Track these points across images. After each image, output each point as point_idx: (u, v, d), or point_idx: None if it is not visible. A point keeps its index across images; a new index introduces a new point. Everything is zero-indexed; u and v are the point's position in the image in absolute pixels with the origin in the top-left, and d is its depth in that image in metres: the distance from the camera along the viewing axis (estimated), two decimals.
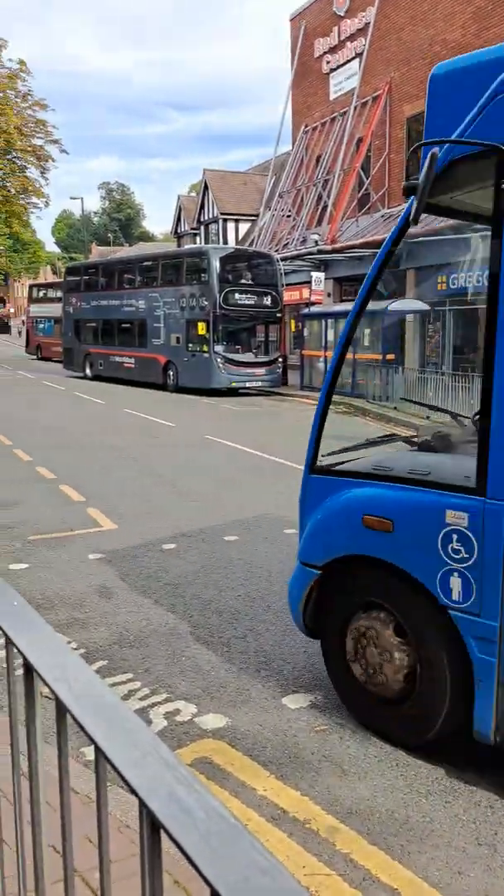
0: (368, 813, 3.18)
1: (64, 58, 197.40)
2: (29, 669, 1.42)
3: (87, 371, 28.08)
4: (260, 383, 22.71)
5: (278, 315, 23.28)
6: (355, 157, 24.89)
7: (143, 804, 1.00)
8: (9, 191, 31.68)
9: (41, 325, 39.33)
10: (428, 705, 3.47)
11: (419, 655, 3.50)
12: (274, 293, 22.96)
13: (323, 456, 4.19)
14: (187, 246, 37.37)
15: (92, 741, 1.14)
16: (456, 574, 3.23)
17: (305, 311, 23.95)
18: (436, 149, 3.14)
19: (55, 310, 36.81)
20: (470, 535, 3.17)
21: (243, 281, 22.61)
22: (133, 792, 1.02)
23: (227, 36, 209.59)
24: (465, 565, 3.20)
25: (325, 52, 27.83)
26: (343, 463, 4.14)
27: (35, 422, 16.16)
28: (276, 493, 9.31)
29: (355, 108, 25.28)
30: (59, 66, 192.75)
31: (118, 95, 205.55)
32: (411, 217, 3.24)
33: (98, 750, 1.14)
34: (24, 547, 6.98)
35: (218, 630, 5.10)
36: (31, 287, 45.34)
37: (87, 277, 29.29)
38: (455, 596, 3.25)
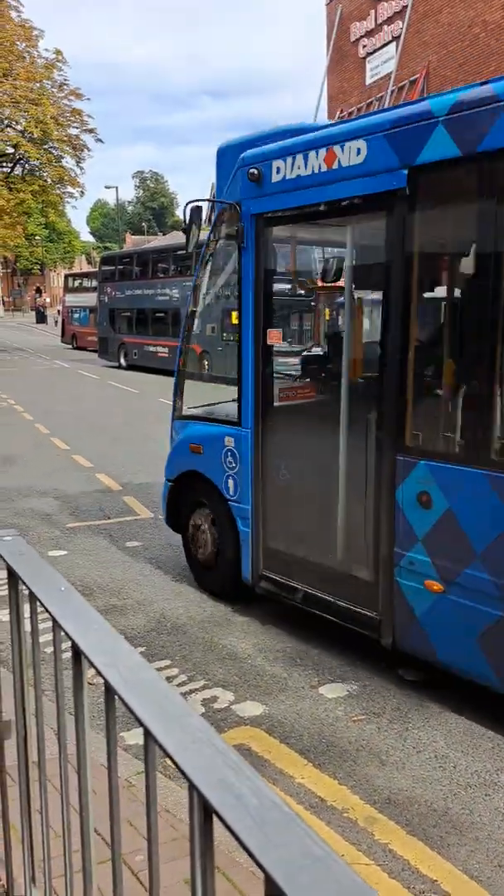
0: (407, 803, 3.16)
1: (99, 47, 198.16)
2: (77, 654, 1.44)
3: (122, 360, 28.04)
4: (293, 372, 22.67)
5: (313, 304, 23.25)
6: None
7: (194, 789, 1.01)
8: (45, 180, 31.93)
9: (76, 315, 39.62)
10: (224, 564, 5.29)
11: (220, 533, 5.30)
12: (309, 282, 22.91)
13: (189, 408, 5.99)
14: None
15: (142, 725, 1.14)
16: (231, 478, 5.08)
17: (340, 298, 23.86)
18: (199, 203, 5.10)
19: (90, 299, 37.06)
20: (236, 451, 5.00)
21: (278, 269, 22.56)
22: (185, 777, 1.03)
23: (263, 22, 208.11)
24: (234, 472, 5.04)
25: (361, 36, 27.44)
26: (188, 410, 5.98)
27: (71, 411, 16.33)
28: None
29: (392, 92, 24.92)
30: (95, 56, 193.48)
31: (153, 84, 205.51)
32: (186, 248, 5.39)
33: (148, 734, 1.14)
34: (63, 534, 7.07)
35: (255, 618, 5.11)
36: (66, 277, 45.71)
37: (121, 267, 29.28)
38: (231, 492, 5.09)
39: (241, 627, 4.96)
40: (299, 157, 4.37)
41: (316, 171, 4.27)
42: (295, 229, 5.68)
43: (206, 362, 15.75)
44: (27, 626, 1.90)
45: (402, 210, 3.79)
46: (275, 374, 5.17)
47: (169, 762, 1.06)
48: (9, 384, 22.58)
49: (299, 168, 4.38)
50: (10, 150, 30.68)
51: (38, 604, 1.71)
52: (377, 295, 4.28)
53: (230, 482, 5.08)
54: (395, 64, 24.89)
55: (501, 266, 3.46)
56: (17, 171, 32.19)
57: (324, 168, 4.22)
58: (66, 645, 1.55)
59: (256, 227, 4.73)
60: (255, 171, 4.62)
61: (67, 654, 1.58)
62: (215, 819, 0.98)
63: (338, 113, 29.42)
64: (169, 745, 1.08)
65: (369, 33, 26.93)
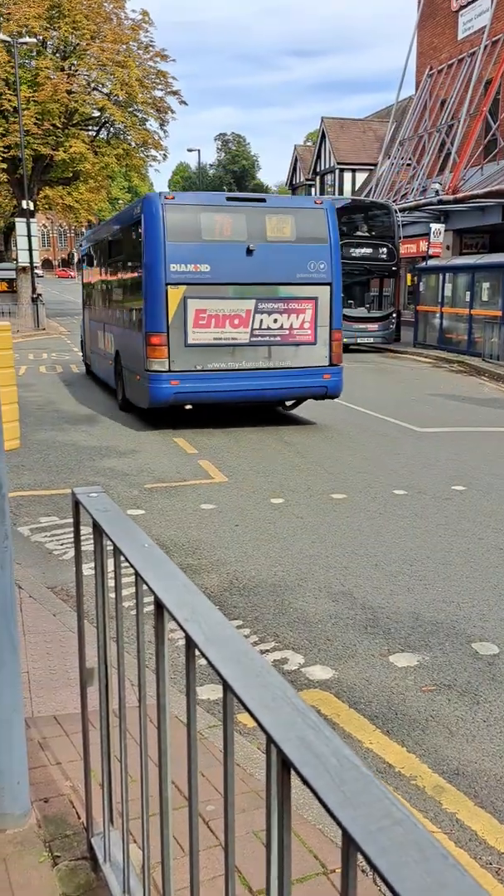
0: (476, 775, 3.15)
1: (184, 8, 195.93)
2: (160, 607, 1.47)
3: None
4: (372, 339, 22.02)
5: (394, 269, 22.40)
6: (483, 100, 23.51)
7: (273, 743, 1.02)
8: (129, 144, 32.05)
9: None
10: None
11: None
12: (390, 245, 22.09)
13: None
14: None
15: (223, 680, 1.17)
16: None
17: (422, 264, 23.13)
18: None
19: None
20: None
21: (358, 233, 21.86)
22: (264, 731, 1.05)
23: None
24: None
25: None
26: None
27: None
28: (392, 454, 9.18)
29: (485, 47, 23.78)
30: (179, 17, 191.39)
31: (237, 44, 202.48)
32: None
33: (228, 689, 1.17)
34: (142, 494, 7.24)
35: (325, 584, 5.13)
36: None
37: None
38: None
39: (313, 593, 4.99)
40: None
41: None
42: None
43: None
44: (111, 581, 1.96)
45: None
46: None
47: (239, 717, 1.09)
48: None
49: None
50: (97, 114, 30.88)
51: (121, 558, 1.77)
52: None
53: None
54: (490, 17, 23.69)
55: None
56: (103, 134, 32.42)
57: None
58: (148, 599, 1.59)
59: None
60: None
61: (148, 609, 1.63)
62: (292, 776, 1.00)
63: (427, 70, 28.31)
64: (249, 700, 1.10)
65: None
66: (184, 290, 9.45)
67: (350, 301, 21.89)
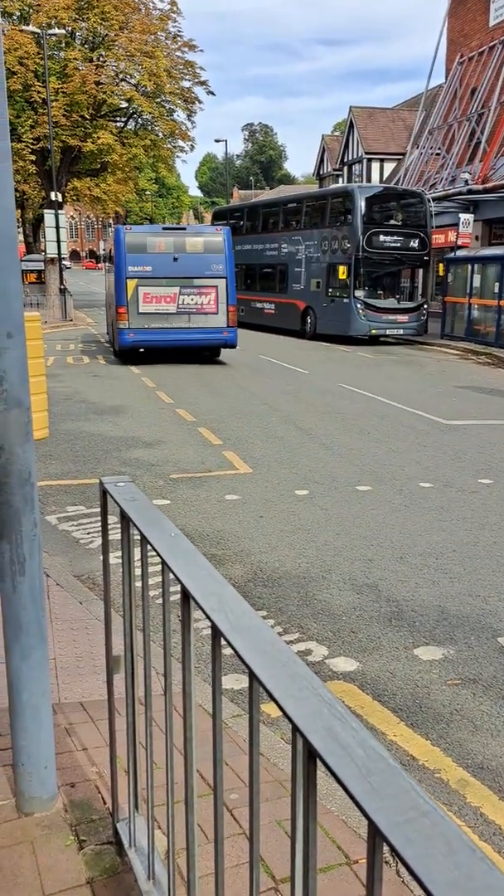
0: (501, 770, 3.13)
1: None
2: (186, 597, 1.48)
3: None
4: (402, 330, 21.52)
5: (426, 258, 21.88)
6: None
7: (300, 734, 1.03)
8: (157, 134, 32.05)
9: None
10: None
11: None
12: (422, 235, 21.52)
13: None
14: (333, 186, 36.21)
15: (249, 671, 1.17)
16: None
17: (450, 255, 22.85)
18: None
19: None
20: None
21: (390, 222, 21.31)
22: (290, 721, 1.05)
23: None
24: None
25: None
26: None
27: (174, 365, 16.64)
28: (418, 446, 9.12)
29: None
30: (207, 7, 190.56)
31: (265, 33, 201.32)
32: None
33: (254, 679, 1.17)
34: (167, 484, 7.28)
35: (349, 576, 5.12)
36: None
37: (232, 221, 28.80)
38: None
39: (337, 585, 4.99)
40: None
41: None
42: None
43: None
44: (137, 570, 1.97)
45: None
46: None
47: (262, 707, 1.09)
48: None
49: None
50: (124, 105, 30.91)
51: (148, 548, 1.78)
52: None
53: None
54: None
55: None
56: (130, 125, 32.45)
57: None
58: (174, 589, 1.60)
59: None
60: None
61: (175, 598, 1.64)
62: (318, 767, 1.00)
63: (457, 58, 27.90)
64: (275, 690, 1.10)
65: None
66: (136, 282, 16.03)
67: (379, 292, 21.36)
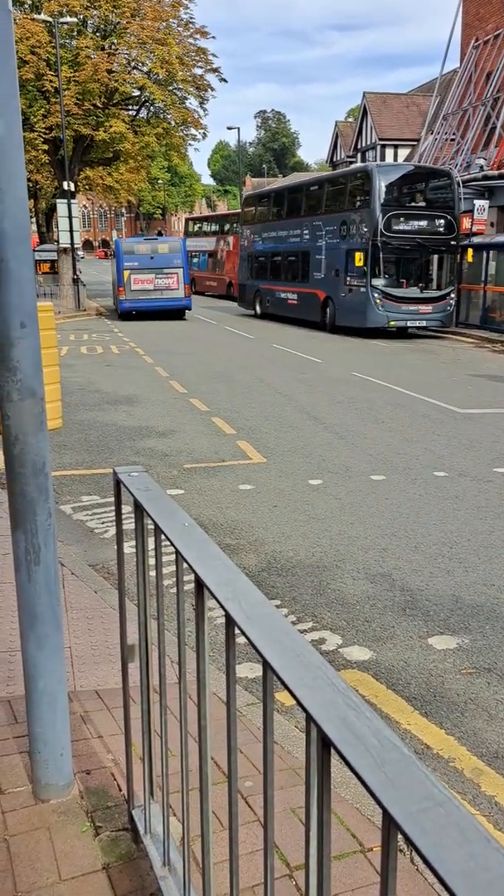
0: None
1: None
2: (200, 586, 1.48)
3: (258, 309, 26.29)
4: (425, 322, 19.84)
5: (453, 243, 19.95)
6: None
7: (314, 723, 1.03)
8: (169, 122, 31.92)
9: (195, 259, 40.02)
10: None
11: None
12: (449, 218, 19.68)
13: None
14: (353, 165, 35.40)
15: (263, 660, 1.17)
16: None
17: (465, 241, 22.63)
18: None
19: (209, 243, 37.21)
20: None
21: (412, 203, 19.78)
22: (304, 710, 1.05)
23: None
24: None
25: None
26: None
27: (188, 355, 16.66)
28: (432, 435, 9.08)
29: None
30: None
31: (278, 19, 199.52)
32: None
33: (268, 668, 1.17)
34: (181, 474, 7.29)
35: (363, 566, 5.12)
36: (187, 221, 46.05)
37: (260, 208, 27.35)
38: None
39: (351, 574, 4.98)
40: None
41: None
42: None
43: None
44: (151, 560, 1.98)
45: None
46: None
47: (276, 695, 1.09)
48: (131, 329, 23.21)
49: None
50: (136, 93, 30.79)
51: (162, 537, 1.78)
52: None
53: None
54: None
55: None
56: (142, 113, 32.34)
57: None
58: (188, 578, 1.61)
59: None
60: None
61: (189, 588, 1.64)
62: (332, 756, 1.00)
63: (473, 42, 27.55)
64: (289, 680, 1.10)
65: None
66: (129, 272, 24.76)
67: (401, 280, 19.56)
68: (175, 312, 25.57)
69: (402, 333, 20.30)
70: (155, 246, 25.49)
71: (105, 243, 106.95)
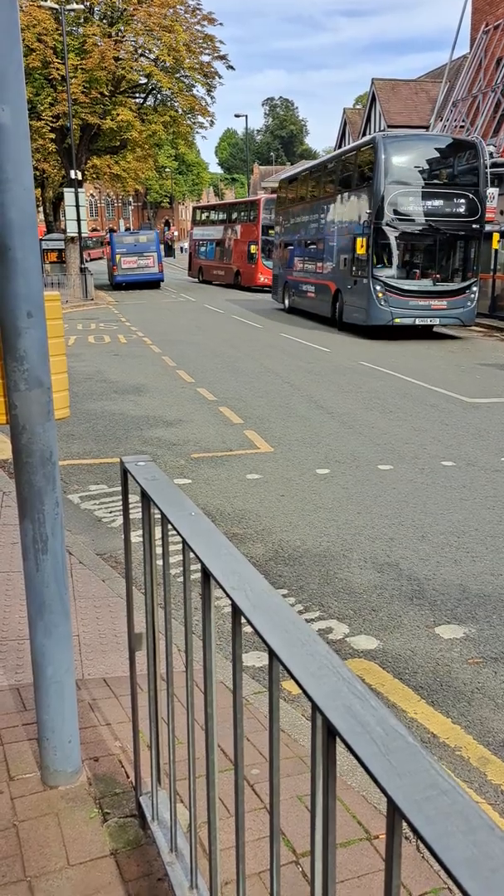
0: None
1: None
2: (206, 575, 1.49)
3: (286, 302, 23.54)
4: (438, 319, 16.90)
5: (475, 227, 16.77)
6: None
7: (319, 712, 1.03)
8: (176, 110, 31.78)
9: (203, 248, 39.93)
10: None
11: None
12: (472, 196, 16.56)
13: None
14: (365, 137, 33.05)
15: (269, 649, 1.18)
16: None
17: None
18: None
19: (216, 232, 37.11)
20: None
21: (426, 180, 16.50)
22: (309, 699, 1.05)
23: None
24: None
25: None
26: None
27: (195, 344, 16.64)
28: (440, 424, 9.06)
29: None
30: None
31: (286, 5, 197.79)
32: None
33: (274, 657, 1.17)
34: (188, 463, 7.30)
35: (371, 555, 5.12)
36: (195, 209, 45.89)
37: (289, 191, 24.19)
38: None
39: (358, 563, 4.99)
40: None
41: None
42: None
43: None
44: (158, 549, 1.98)
45: None
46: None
47: (284, 684, 1.09)
48: (138, 318, 23.19)
49: None
50: (143, 81, 30.65)
51: (169, 526, 1.78)
52: None
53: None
54: None
55: None
56: (150, 101, 32.19)
57: None
58: (195, 567, 1.61)
59: None
60: None
61: (195, 577, 1.65)
62: (337, 744, 1.00)
63: (483, 27, 27.25)
64: (295, 668, 1.11)
65: None
66: (120, 255, 35.76)
67: (414, 271, 16.90)
68: (152, 283, 36.57)
69: (416, 332, 17.40)
70: (137, 237, 36.92)
71: (113, 232, 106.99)
